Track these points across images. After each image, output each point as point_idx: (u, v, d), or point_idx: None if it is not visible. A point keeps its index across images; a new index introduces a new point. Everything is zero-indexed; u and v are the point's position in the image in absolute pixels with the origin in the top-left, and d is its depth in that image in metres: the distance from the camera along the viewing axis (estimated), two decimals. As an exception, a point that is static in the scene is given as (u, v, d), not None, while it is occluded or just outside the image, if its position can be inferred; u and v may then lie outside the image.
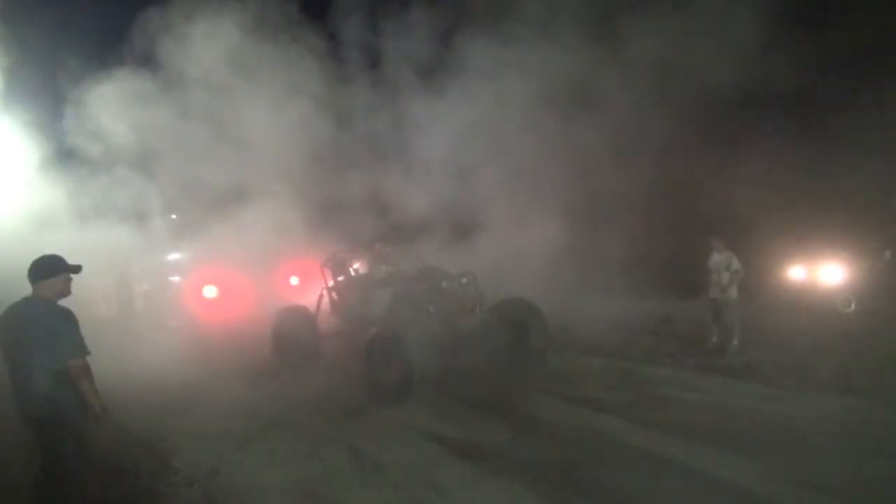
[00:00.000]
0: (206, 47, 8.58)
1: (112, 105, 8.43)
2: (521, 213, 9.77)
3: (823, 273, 9.54)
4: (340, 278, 8.16)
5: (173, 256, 12.05)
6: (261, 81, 9.33)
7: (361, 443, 4.99)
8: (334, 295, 8.07)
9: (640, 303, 9.83)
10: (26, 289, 3.41)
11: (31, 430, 3.37)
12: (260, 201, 9.38)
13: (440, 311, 6.74)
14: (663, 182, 9.90)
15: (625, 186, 9.76)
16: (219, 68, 8.82)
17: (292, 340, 7.55)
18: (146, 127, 8.85)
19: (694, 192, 9.89)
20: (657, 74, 8.89)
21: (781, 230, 9.75)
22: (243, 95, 9.22)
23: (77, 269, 3.50)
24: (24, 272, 3.41)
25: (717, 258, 7.41)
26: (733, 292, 7.32)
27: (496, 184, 9.60)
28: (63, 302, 3.44)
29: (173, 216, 10.73)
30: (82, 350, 3.30)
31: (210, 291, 10.92)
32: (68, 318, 3.29)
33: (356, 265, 8.43)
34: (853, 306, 9.02)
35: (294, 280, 10.95)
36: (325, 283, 8.13)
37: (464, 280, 7.12)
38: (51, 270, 3.38)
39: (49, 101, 8.61)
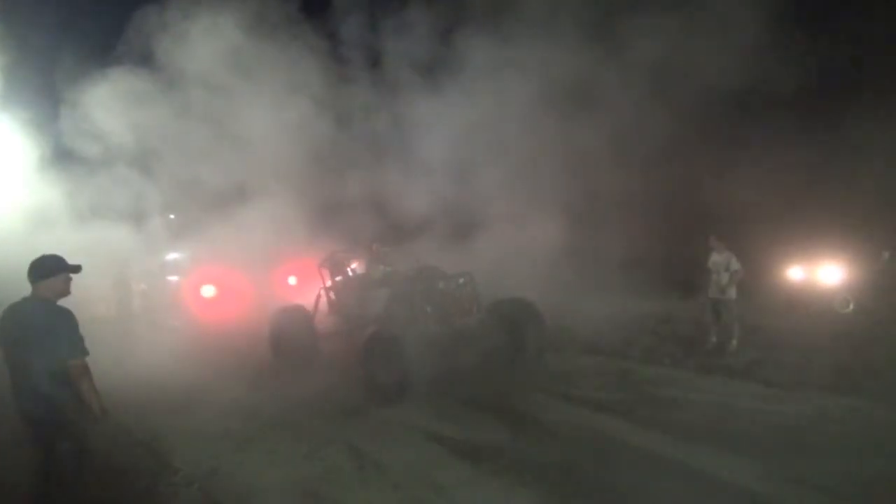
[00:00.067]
0: (204, 46, 8.57)
1: (110, 104, 8.42)
2: (520, 213, 9.78)
3: (822, 273, 9.56)
4: (338, 278, 8.17)
5: (171, 256, 12.04)
6: (259, 80, 9.33)
7: (361, 443, 4.98)
8: (332, 295, 8.09)
9: (640, 303, 9.84)
10: (25, 288, 3.39)
11: (30, 430, 3.36)
12: (258, 201, 9.38)
13: (437, 311, 6.76)
14: (663, 182, 9.91)
15: (624, 186, 9.78)
16: (217, 67, 8.82)
17: (290, 340, 7.56)
18: (144, 126, 8.84)
19: (693, 192, 9.90)
20: (656, 74, 8.90)
21: (780, 230, 9.77)
22: (241, 95, 9.21)
23: (77, 268, 3.48)
24: (23, 272, 3.40)
25: (717, 258, 7.42)
26: (732, 292, 7.32)
27: (496, 183, 9.61)
28: (62, 302, 3.43)
29: (171, 216, 10.72)
30: (82, 350, 3.29)
31: (208, 291, 10.92)
32: (68, 318, 3.28)
33: (354, 265, 8.44)
34: (851, 306, 9.04)
35: (292, 280, 10.96)
36: (323, 283, 8.13)
37: (461, 280, 7.13)
38: (51, 270, 3.36)
39: (47, 101, 8.61)
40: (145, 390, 6.30)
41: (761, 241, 9.18)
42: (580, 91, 9.06)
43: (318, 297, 8.04)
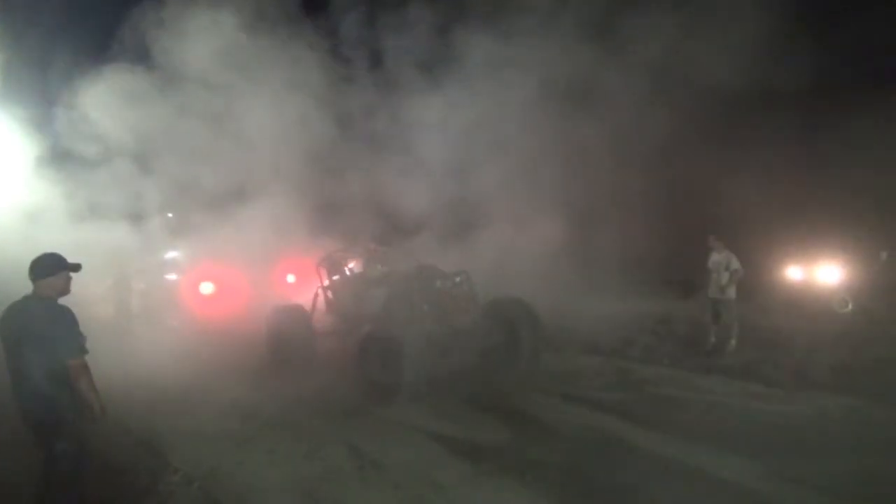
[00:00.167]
0: (202, 44, 8.53)
1: (108, 103, 8.38)
2: (520, 213, 9.78)
3: (820, 273, 9.60)
4: (336, 277, 8.16)
5: (170, 255, 12.00)
6: (257, 79, 9.30)
7: (361, 442, 4.97)
8: (329, 294, 8.08)
9: (639, 302, 9.87)
10: (23, 287, 3.39)
11: (30, 430, 3.35)
12: (256, 199, 9.36)
13: (434, 310, 6.75)
14: (663, 182, 9.92)
15: (624, 186, 9.79)
16: (215, 66, 8.78)
17: (288, 339, 7.55)
18: (143, 125, 8.81)
19: (693, 191, 9.92)
20: (656, 74, 8.90)
21: (779, 231, 9.79)
22: (239, 93, 9.18)
23: (77, 267, 3.48)
24: (21, 270, 3.39)
25: (717, 258, 7.43)
26: (732, 292, 7.34)
27: (495, 183, 9.59)
28: (62, 301, 3.43)
29: (169, 215, 10.69)
30: (81, 349, 3.29)
31: (207, 288, 10.90)
32: (68, 317, 3.28)
33: (351, 264, 8.43)
34: (850, 306, 9.07)
35: (290, 278, 10.94)
36: (321, 282, 8.13)
37: (458, 279, 7.12)
38: (52, 269, 3.36)
39: (45, 99, 8.56)
40: (145, 390, 6.28)
41: (760, 241, 9.20)
42: (580, 90, 9.07)
43: (316, 295, 8.03)
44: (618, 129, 9.21)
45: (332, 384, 6.64)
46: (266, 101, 9.25)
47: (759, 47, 8.21)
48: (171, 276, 11.88)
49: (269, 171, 9.53)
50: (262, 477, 4.45)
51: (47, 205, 8.02)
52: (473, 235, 9.78)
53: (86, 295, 5.75)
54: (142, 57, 8.54)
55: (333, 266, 8.20)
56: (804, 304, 9.32)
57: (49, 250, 3.47)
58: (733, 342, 7.35)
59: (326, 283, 8.15)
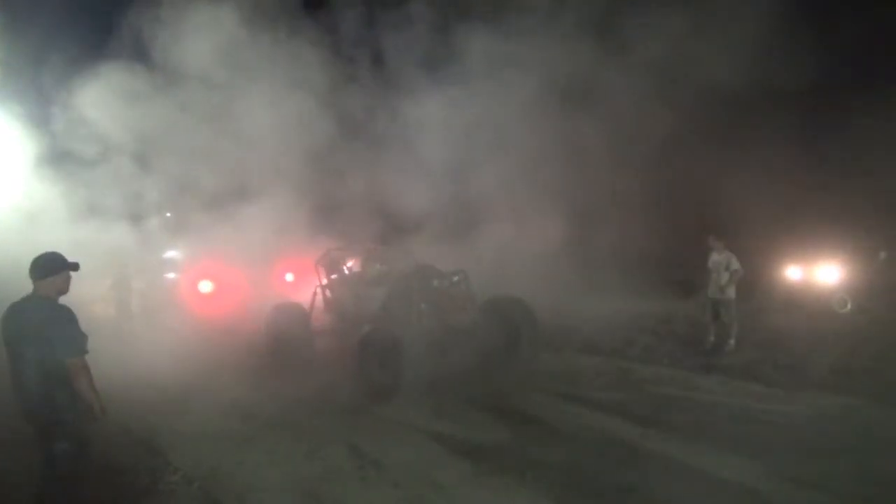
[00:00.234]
0: (200, 43, 8.51)
1: (107, 102, 8.36)
2: (519, 212, 9.77)
3: (820, 273, 9.61)
4: (334, 276, 8.16)
5: (169, 254, 11.99)
6: (255, 77, 9.29)
7: (361, 442, 4.97)
8: (328, 293, 8.08)
9: (639, 302, 9.86)
10: (21, 287, 3.38)
11: (31, 430, 3.35)
12: (255, 198, 9.34)
13: (433, 310, 6.75)
14: (663, 182, 9.92)
15: (624, 186, 9.78)
16: (214, 64, 8.76)
17: (287, 338, 7.55)
18: (142, 124, 8.79)
19: (693, 192, 9.92)
20: (656, 74, 8.90)
21: (778, 231, 9.80)
22: (237, 91, 9.17)
23: (76, 266, 3.48)
24: (19, 270, 3.39)
25: (717, 258, 7.44)
26: (732, 292, 7.34)
27: (495, 182, 9.58)
28: (62, 300, 3.42)
29: (168, 214, 10.68)
30: (81, 349, 3.28)
31: (206, 286, 10.89)
32: (69, 316, 3.28)
33: (350, 263, 8.43)
34: (849, 306, 9.08)
35: (289, 277, 10.94)
36: (320, 281, 8.13)
37: (455, 278, 7.13)
38: (53, 268, 3.36)
39: (44, 98, 8.53)
40: (145, 390, 6.27)
41: (760, 241, 9.22)
42: (580, 90, 9.06)
43: (315, 294, 8.03)
44: (618, 129, 9.20)
45: (331, 383, 6.63)
46: (264, 100, 9.24)
47: (759, 47, 8.21)
48: (170, 275, 11.88)
49: (267, 170, 9.52)
50: (263, 476, 4.44)
51: (46, 204, 8.00)
52: (473, 235, 9.78)
53: (85, 294, 5.75)
54: (141, 55, 8.53)
55: (332, 265, 8.20)
56: (803, 303, 9.33)
57: (49, 250, 3.47)
58: (733, 342, 7.36)
59: (325, 282, 8.15)
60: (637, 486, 4.04)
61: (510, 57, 9.38)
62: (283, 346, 7.58)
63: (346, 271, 8.26)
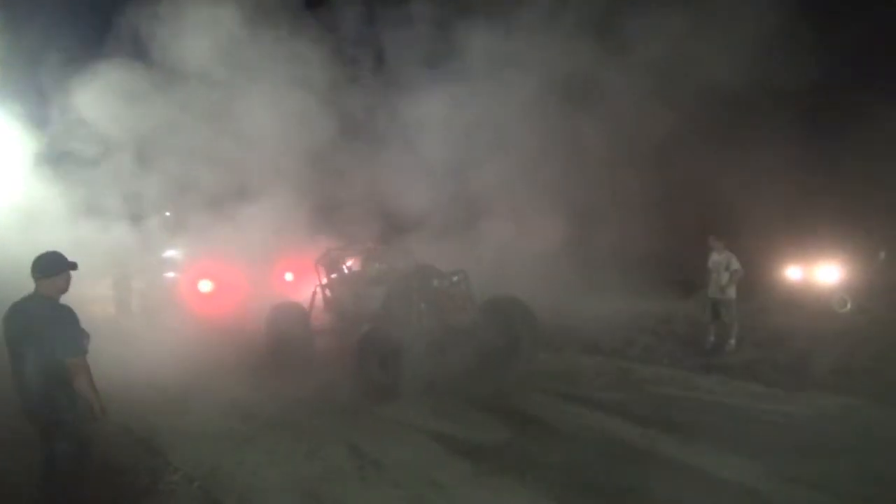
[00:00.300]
0: (199, 41, 8.51)
1: (106, 101, 8.35)
2: (519, 212, 9.76)
3: (819, 273, 9.61)
4: (334, 276, 8.16)
5: (168, 253, 11.98)
6: (255, 76, 9.28)
7: (361, 442, 4.97)
8: (328, 292, 8.08)
9: (639, 302, 9.86)
10: (20, 286, 3.39)
11: (32, 429, 3.35)
12: (254, 197, 9.34)
13: (432, 309, 6.75)
14: (663, 181, 9.91)
15: (624, 185, 9.78)
16: (214, 62, 8.76)
17: (287, 338, 7.56)
18: (141, 123, 8.78)
19: (693, 192, 9.92)
20: (657, 73, 8.89)
21: (778, 230, 9.80)
22: (236, 90, 9.16)
23: (75, 266, 3.49)
24: (17, 270, 3.39)
25: (717, 258, 7.44)
26: (732, 292, 7.34)
27: (495, 182, 9.58)
28: (63, 299, 3.43)
29: (167, 213, 10.68)
30: (81, 348, 3.29)
31: (205, 286, 10.89)
32: (71, 316, 3.29)
33: (350, 263, 8.43)
34: (849, 306, 9.08)
35: (289, 276, 10.93)
36: (319, 280, 8.13)
37: (455, 278, 7.13)
38: (56, 268, 3.38)
39: (43, 97, 8.51)
40: (145, 390, 6.27)
41: (760, 241, 9.21)
42: (580, 89, 9.05)
43: (314, 294, 8.04)
44: (618, 129, 9.20)
45: (331, 383, 6.63)
46: (263, 99, 9.23)
47: (759, 47, 8.21)
48: (170, 275, 11.87)
49: (266, 169, 9.51)
50: (263, 476, 4.44)
51: (45, 203, 7.99)
52: (472, 235, 9.78)
53: (85, 294, 5.75)
54: (141, 54, 8.52)
55: (332, 264, 8.21)
56: (803, 303, 9.33)
57: (49, 249, 3.47)
58: (733, 342, 7.36)
59: (325, 281, 8.15)
60: (637, 486, 4.05)
61: (510, 56, 9.38)
62: (282, 346, 7.58)
63: (346, 271, 8.26)
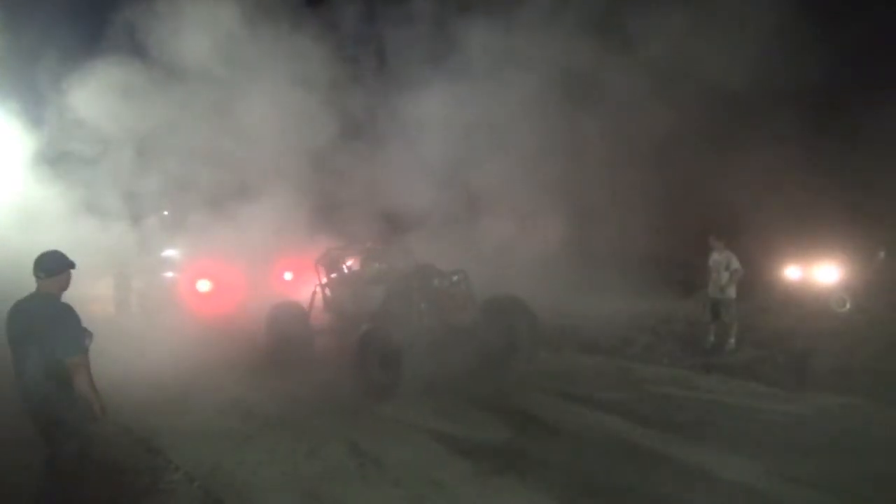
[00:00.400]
0: (198, 40, 8.50)
1: (106, 99, 8.34)
2: (520, 211, 9.77)
3: (818, 273, 9.60)
4: (334, 275, 8.16)
5: (167, 253, 11.96)
6: (254, 74, 9.27)
7: (361, 441, 4.97)
8: (327, 292, 8.08)
9: (639, 302, 9.85)
10: (19, 285, 3.38)
11: (34, 428, 3.35)
12: (253, 196, 9.33)
13: (433, 309, 6.75)
14: (663, 181, 9.92)
15: (624, 185, 9.78)
16: (213, 61, 8.75)
17: (286, 337, 7.56)
18: (141, 122, 8.77)
19: (693, 191, 9.92)
20: (658, 73, 8.90)
21: (778, 230, 9.80)
22: (235, 88, 9.15)
23: (74, 265, 3.50)
24: (16, 269, 3.40)
25: (717, 258, 7.44)
26: (732, 292, 7.34)
27: (495, 181, 9.58)
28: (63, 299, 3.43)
29: (165, 213, 10.67)
30: (82, 348, 3.29)
31: (204, 285, 10.87)
32: (72, 314, 3.30)
33: (349, 262, 8.43)
34: (848, 305, 9.07)
35: (288, 275, 10.93)
36: (319, 280, 8.13)
37: (455, 278, 7.13)
38: (59, 267, 3.39)
39: (42, 95, 8.49)
40: (145, 389, 6.25)
41: (760, 240, 9.21)
42: (581, 89, 9.06)
43: (314, 293, 8.04)
44: (618, 128, 9.20)
45: (331, 382, 6.64)
46: (263, 98, 9.22)
47: (760, 47, 8.22)
48: (169, 274, 11.85)
49: (265, 168, 9.51)
50: (263, 475, 4.44)
51: (44, 203, 7.98)
52: (472, 234, 9.78)
53: (85, 293, 5.74)
54: (140, 52, 8.51)
55: (332, 264, 8.20)
56: (803, 303, 9.33)
57: (49, 248, 3.47)
58: (733, 341, 7.36)
59: (325, 280, 8.15)
60: (637, 485, 4.05)
61: (510, 55, 9.38)
62: (282, 346, 7.59)
63: (346, 270, 8.26)
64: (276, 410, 5.86)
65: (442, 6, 9.46)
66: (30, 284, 3.39)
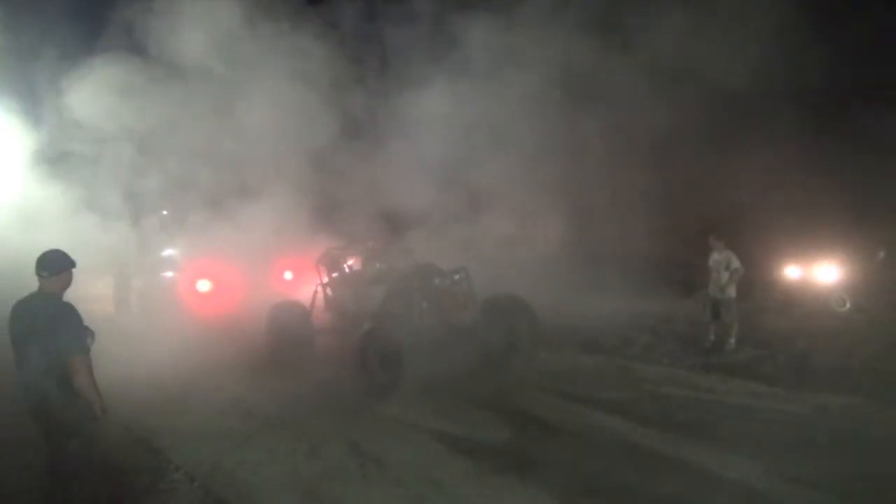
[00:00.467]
0: (200, 38, 8.50)
1: (105, 98, 8.33)
2: (520, 211, 9.76)
3: (818, 272, 9.60)
4: (335, 275, 8.16)
5: (167, 252, 11.95)
6: (254, 73, 9.27)
7: (362, 441, 4.97)
8: (328, 291, 8.08)
9: (639, 301, 9.85)
10: (19, 285, 3.38)
11: (36, 428, 3.35)
12: (253, 195, 9.33)
13: (433, 308, 6.75)
14: (663, 181, 9.92)
15: (625, 185, 9.78)
16: (213, 60, 8.75)
17: (287, 336, 7.56)
18: (141, 121, 8.76)
19: (694, 191, 9.92)
20: (658, 73, 8.89)
21: (778, 230, 9.80)
22: (237, 87, 9.15)
23: (75, 264, 3.50)
24: (16, 269, 3.40)
25: (717, 257, 7.44)
26: (732, 291, 7.34)
27: (495, 181, 9.58)
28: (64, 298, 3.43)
29: (164, 212, 10.66)
30: (83, 347, 3.29)
31: (204, 285, 10.86)
32: (74, 313, 3.30)
33: (350, 262, 8.43)
34: (848, 305, 9.07)
35: (288, 275, 10.92)
36: (320, 279, 8.13)
37: (456, 277, 7.12)
38: (61, 266, 3.40)
39: (42, 95, 8.49)
40: (145, 389, 6.26)
41: (759, 240, 9.21)
42: (581, 88, 9.05)
43: (315, 293, 8.04)
44: (618, 128, 9.20)
45: (331, 382, 6.64)
46: (263, 97, 9.22)
47: (760, 47, 8.21)
48: (169, 274, 11.85)
49: (265, 168, 9.51)
50: (263, 475, 4.45)
51: (44, 202, 7.98)
52: (473, 234, 9.77)
53: (85, 293, 5.74)
54: (140, 51, 8.50)
55: (332, 263, 8.20)
56: (803, 302, 9.33)
57: (49, 248, 3.47)
58: (732, 341, 7.36)
59: (325, 280, 8.15)
60: (637, 485, 4.05)
61: (511, 54, 9.37)
62: (283, 345, 7.59)
63: (347, 270, 8.26)
64: (276, 410, 5.86)
65: (442, 5, 9.46)
66: (30, 284, 3.40)
